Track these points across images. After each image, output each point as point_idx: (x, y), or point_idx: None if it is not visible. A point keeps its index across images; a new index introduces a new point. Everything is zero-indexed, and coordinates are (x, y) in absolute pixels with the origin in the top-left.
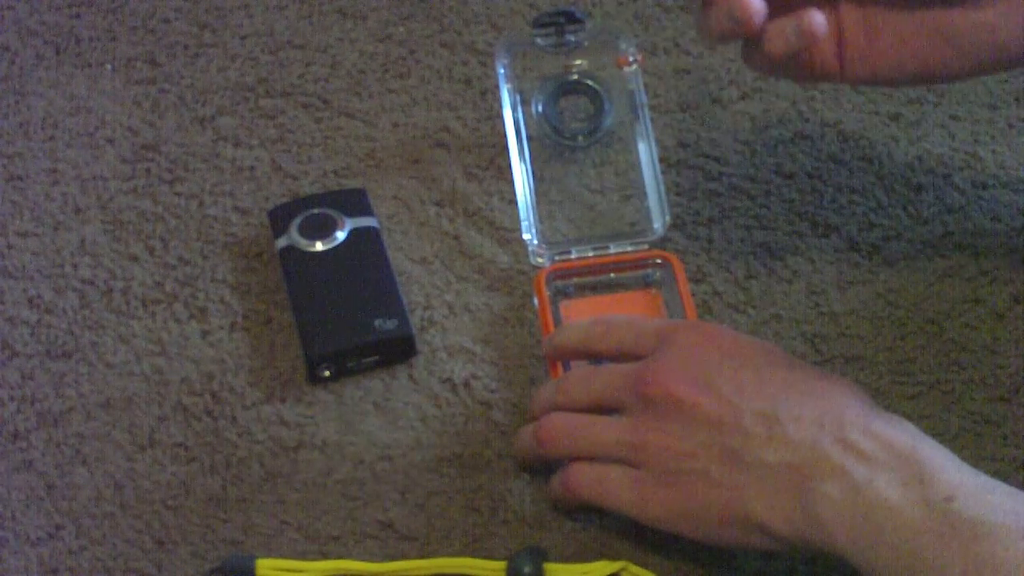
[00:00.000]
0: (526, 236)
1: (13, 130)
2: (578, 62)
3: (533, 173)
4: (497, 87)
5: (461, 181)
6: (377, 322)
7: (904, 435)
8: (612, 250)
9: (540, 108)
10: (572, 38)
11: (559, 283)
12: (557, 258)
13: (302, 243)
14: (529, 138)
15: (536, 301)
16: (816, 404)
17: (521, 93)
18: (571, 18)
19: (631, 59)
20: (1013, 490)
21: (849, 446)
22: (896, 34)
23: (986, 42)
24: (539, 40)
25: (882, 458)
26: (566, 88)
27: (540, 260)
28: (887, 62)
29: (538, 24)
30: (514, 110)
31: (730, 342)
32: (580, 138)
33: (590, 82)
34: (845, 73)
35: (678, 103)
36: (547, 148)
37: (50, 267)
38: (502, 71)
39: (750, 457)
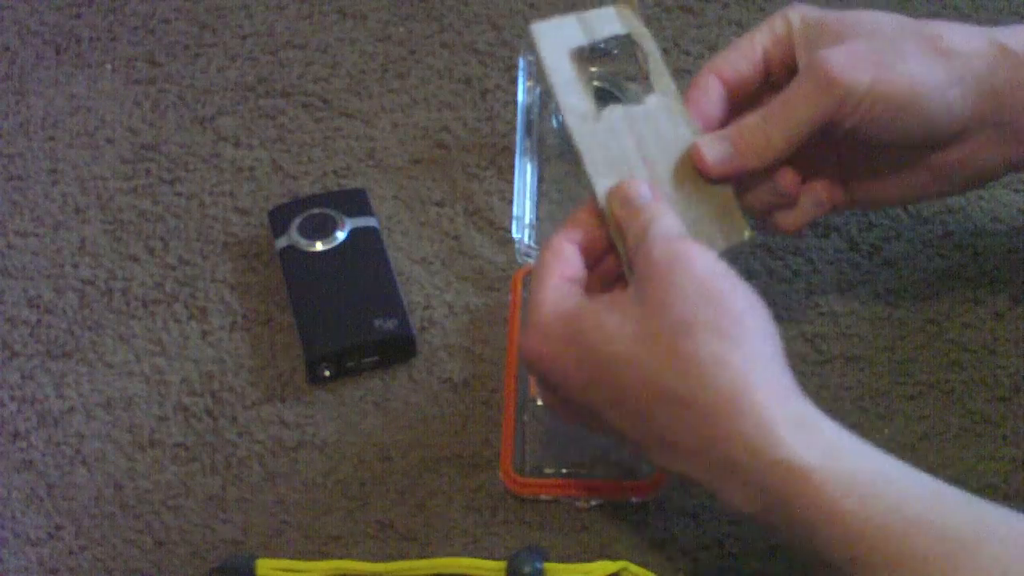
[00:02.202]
0: (515, 235)
1: (13, 130)
2: (593, 69)
3: (538, 171)
4: (504, 83)
5: (461, 181)
6: (377, 322)
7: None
8: None
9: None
10: (603, 44)
11: None
12: (531, 274)
13: (302, 243)
14: (539, 136)
15: (510, 298)
16: (676, 454)
17: (539, 91)
18: None
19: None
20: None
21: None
22: (893, 174)
23: (966, 171)
24: None
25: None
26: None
27: (526, 259)
28: (888, 194)
29: None
30: (529, 107)
31: (577, 376)
32: None
33: (614, 92)
34: (854, 204)
35: None
36: (555, 149)
37: (50, 267)
38: (523, 65)
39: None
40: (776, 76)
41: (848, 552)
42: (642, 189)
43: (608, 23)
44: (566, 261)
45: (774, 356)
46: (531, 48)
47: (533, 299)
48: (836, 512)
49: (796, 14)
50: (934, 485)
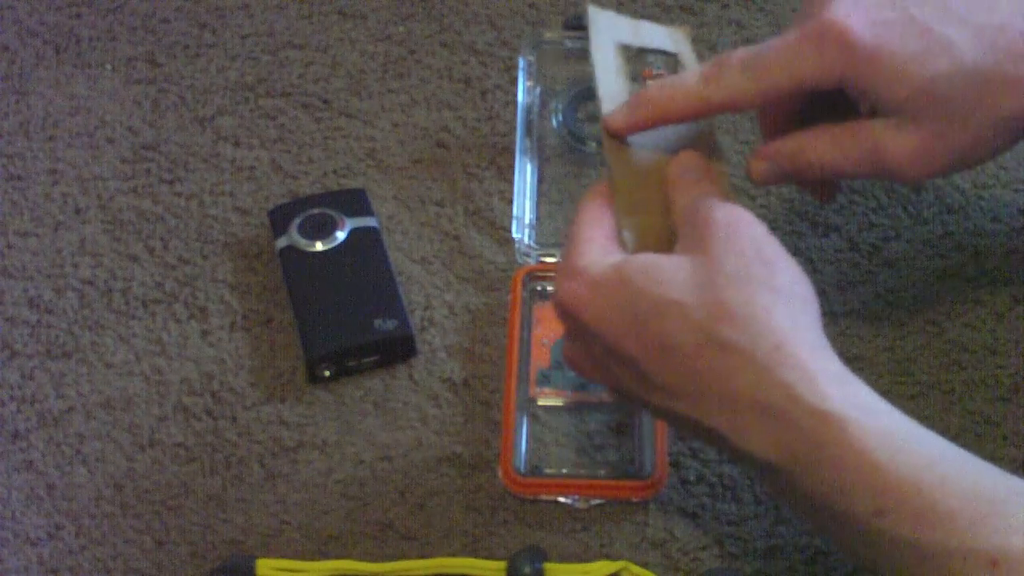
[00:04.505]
0: (516, 235)
1: (13, 130)
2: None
3: (538, 171)
4: (504, 83)
5: (461, 181)
6: (377, 322)
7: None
8: None
9: (560, 110)
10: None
11: (537, 284)
12: (541, 259)
13: (302, 243)
14: (539, 136)
15: (510, 298)
16: (710, 402)
17: (539, 91)
18: None
19: (655, 72)
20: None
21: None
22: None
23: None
24: (568, 42)
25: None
26: (588, 94)
27: (526, 259)
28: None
29: (569, 26)
30: (529, 107)
31: (619, 322)
32: (594, 144)
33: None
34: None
35: None
36: (555, 149)
37: (50, 267)
38: (523, 65)
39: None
40: None
41: (875, 504)
42: (702, 163)
43: (659, 39)
44: (607, 223)
45: (816, 321)
46: (532, 47)
47: (572, 248)
48: (868, 464)
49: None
50: (962, 451)
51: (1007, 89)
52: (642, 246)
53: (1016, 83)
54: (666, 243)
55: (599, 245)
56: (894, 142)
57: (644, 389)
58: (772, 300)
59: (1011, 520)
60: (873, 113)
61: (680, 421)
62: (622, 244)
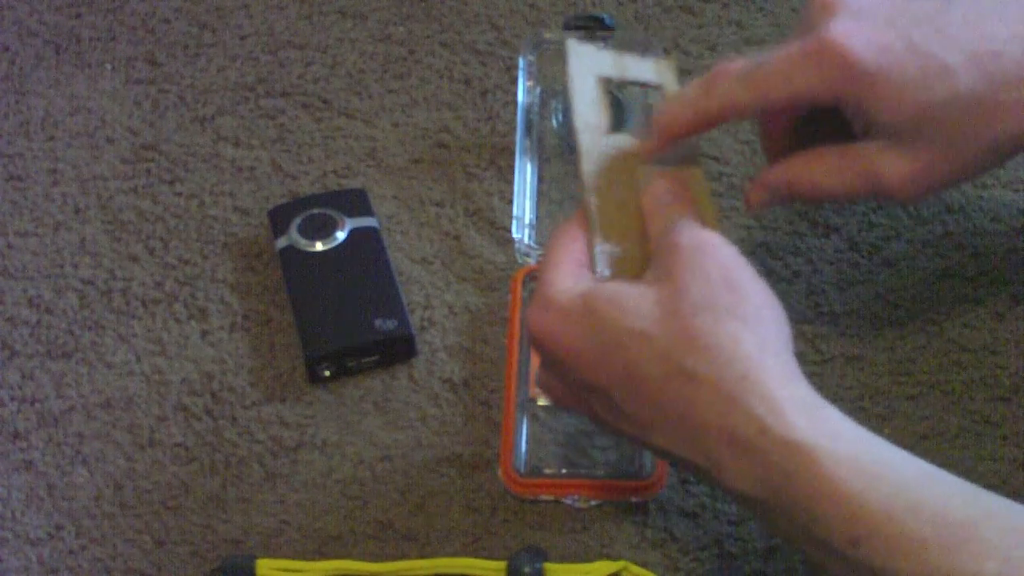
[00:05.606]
0: (515, 235)
1: (13, 130)
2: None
3: (538, 171)
4: (504, 83)
5: (461, 181)
6: (377, 322)
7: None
8: None
9: (560, 111)
10: (601, 45)
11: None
12: (541, 259)
13: (302, 243)
14: (539, 136)
15: (510, 298)
16: (682, 433)
17: (539, 91)
18: (602, 24)
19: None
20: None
21: (715, 463)
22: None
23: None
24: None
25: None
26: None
27: (526, 259)
28: (945, 180)
29: (568, 26)
30: (529, 107)
31: (588, 353)
32: None
33: (614, 92)
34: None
35: None
36: (555, 149)
37: (50, 267)
38: (523, 65)
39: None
40: None
41: (849, 533)
42: (675, 185)
43: (643, 71)
44: (579, 249)
45: (786, 346)
46: (532, 47)
47: (544, 277)
48: (840, 493)
49: None
50: (934, 471)
51: (1001, 114)
52: (618, 274)
53: (1010, 108)
54: (643, 271)
55: (569, 273)
56: (889, 165)
57: (618, 420)
58: (738, 328)
59: (983, 545)
60: (867, 133)
61: (659, 452)
62: (597, 271)
